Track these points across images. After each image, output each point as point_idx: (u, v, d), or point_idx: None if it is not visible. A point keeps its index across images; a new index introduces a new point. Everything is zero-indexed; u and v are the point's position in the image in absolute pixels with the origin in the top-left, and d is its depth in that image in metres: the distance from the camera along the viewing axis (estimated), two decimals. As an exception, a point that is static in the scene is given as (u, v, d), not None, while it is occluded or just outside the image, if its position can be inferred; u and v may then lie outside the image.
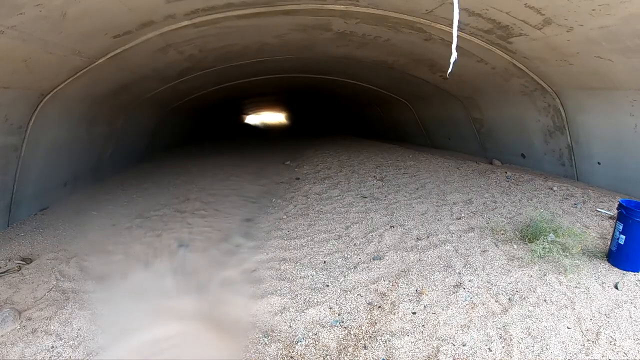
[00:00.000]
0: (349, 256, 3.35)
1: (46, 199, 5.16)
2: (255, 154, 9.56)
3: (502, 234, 3.55)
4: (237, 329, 2.45)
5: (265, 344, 2.30)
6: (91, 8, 3.20)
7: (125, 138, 7.34)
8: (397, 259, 3.25)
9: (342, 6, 4.31)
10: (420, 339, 2.27)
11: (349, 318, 2.50)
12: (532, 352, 2.12)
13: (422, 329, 2.35)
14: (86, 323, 2.53)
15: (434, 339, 2.27)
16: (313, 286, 2.91)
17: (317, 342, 2.29)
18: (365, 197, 4.89)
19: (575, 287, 2.66)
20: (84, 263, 3.44)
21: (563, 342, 2.18)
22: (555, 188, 4.77)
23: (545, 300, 2.54)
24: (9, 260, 3.48)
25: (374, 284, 2.88)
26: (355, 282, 2.93)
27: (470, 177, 5.60)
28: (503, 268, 2.97)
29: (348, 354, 2.19)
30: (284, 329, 2.43)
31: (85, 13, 3.24)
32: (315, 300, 2.73)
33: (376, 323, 2.44)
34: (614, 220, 3.03)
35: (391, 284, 2.87)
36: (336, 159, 7.31)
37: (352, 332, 2.36)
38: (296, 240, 3.73)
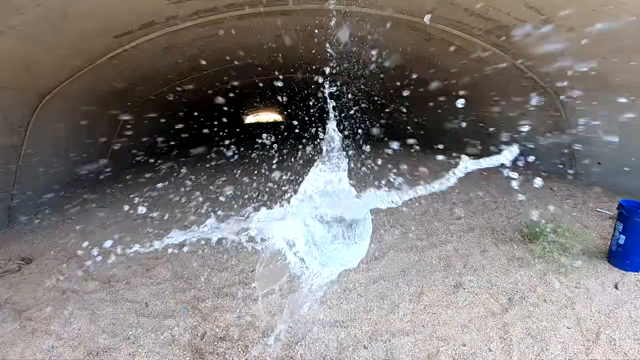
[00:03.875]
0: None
1: (46, 199, 5.16)
2: (254, 153, 9.55)
3: (502, 234, 3.55)
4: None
5: (265, 344, 2.30)
6: (91, 8, 3.20)
7: (126, 138, 7.33)
8: (397, 259, 3.25)
9: (342, 6, 4.31)
10: (420, 339, 2.26)
11: (349, 318, 2.50)
12: (532, 352, 2.12)
13: (422, 329, 2.35)
14: (86, 323, 2.53)
15: (434, 339, 2.26)
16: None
17: (317, 342, 2.29)
18: (365, 197, 4.88)
19: (575, 287, 2.66)
20: (84, 263, 3.44)
21: (563, 342, 2.18)
22: (555, 188, 4.77)
23: (545, 300, 2.54)
24: (9, 260, 3.48)
25: (374, 284, 2.88)
26: (355, 282, 2.93)
27: (470, 177, 5.60)
28: (503, 268, 2.96)
29: (348, 354, 2.19)
30: (284, 328, 2.43)
31: (86, 13, 3.24)
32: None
33: (376, 323, 2.44)
34: (614, 220, 3.03)
35: (391, 284, 2.87)
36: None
37: (352, 332, 2.36)
38: (296, 240, 3.73)
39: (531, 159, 6.37)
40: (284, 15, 4.58)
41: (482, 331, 2.30)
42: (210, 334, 2.41)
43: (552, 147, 5.72)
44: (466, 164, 1.78)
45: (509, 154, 1.65)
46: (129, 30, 3.97)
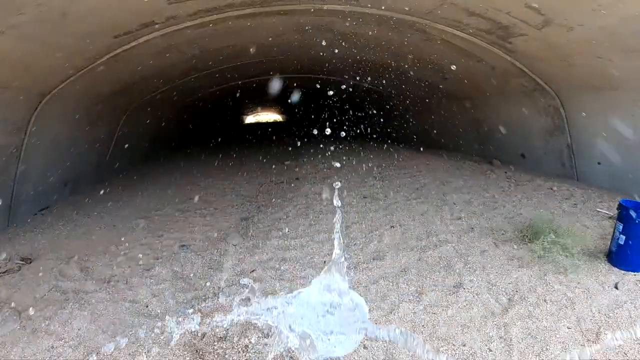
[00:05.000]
0: (349, 256, 3.35)
1: (46, 199, 5.16)
2: (255, 154, 9.55)
3: (502, 234, 3.55)
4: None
5: (265, 344, 2.29)
6: (91, 8, 3.21)
7: (126, 138, 7.34)
8: (397, 259, 3.25)
9: (342, 6, 4.31)
10: (420, 339, 2.26)
11: (349, 318, 2.50)
12: (532, 352, 2.12)
13: (422, 329, 2.35)
14: (86, 323, 2.53)
15: (434, 339, 2.26)
16: (313, 286, 2.91)
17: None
18: (366, 197, 4.88)
19: (575, 287, 2.66)
20: (84, 263, 3.44)
21: (563, 342, 2.18)
22: (555, 188, 4.77)
23: (545, 300, 2.54)
24: (9, 260, 3.48)
25: (374, 284, 2.88)
26: (355, 282, 2.93)
27: (470, 177, 5.60)
28: (503, 268, 2.96)
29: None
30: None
31: (86, 13, 3.24)
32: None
33: (376, 323, 2.43)
34: (614, 220, 3.03)
35: (391, 283, 2.87)
36: (336, 159, 7.30)
37: (352, 332, 2.36)
38: (296, 240, 3.73)
39: (531, 158, 6.22)
40: (284, 15, 4.58)
41: (482, 331, 2.30)
42: (210, 334, 2.41)
43: (551, 147, 5.72)
44: None
45: None
46: (129, 30, 3.97)
